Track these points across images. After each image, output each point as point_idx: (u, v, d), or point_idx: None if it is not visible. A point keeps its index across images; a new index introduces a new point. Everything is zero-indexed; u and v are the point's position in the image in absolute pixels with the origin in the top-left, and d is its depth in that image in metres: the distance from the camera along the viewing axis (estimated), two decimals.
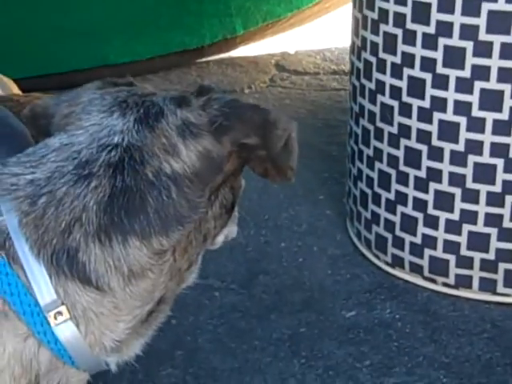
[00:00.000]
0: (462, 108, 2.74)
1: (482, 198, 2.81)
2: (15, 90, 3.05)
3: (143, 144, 1.38)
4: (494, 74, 2.66)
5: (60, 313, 1.35)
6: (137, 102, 1.45)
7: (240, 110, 1.43)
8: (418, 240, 2.97)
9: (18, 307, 1.35)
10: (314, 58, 5.53)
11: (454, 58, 2.71)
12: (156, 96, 1.48)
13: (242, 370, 2.66)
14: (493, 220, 2.83)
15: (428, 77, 2.78)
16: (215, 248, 1.59)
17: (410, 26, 2.79)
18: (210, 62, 5.55)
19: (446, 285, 2.98)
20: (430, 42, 2.74)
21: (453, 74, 2.72)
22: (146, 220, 1.34)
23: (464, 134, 2.76)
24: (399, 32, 2.83)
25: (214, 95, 1.46)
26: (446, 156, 2.82)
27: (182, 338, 2.81)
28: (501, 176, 2.76)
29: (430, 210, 2.91)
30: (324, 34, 5.88)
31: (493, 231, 2.84)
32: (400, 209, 3.00)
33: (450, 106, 2.76)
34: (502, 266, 2.88)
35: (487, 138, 2.74)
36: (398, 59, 2.85)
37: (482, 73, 2.68)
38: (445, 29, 2.70)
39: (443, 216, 2.89)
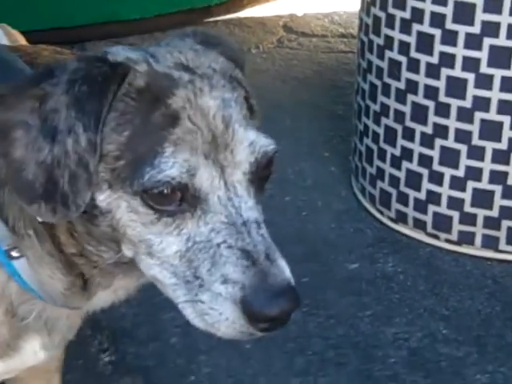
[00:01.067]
0: (471, 64, 2.76)
1: (488, 155, 2.83)
2: (23, 42, 3.07)
3: None
4: (503, 30, 2.67)
5: (15, 249, 1.37)
6: None
7: None
8: (422, 196, 3.00)
9: None
10: (322, 21, 5.52)
11: (464, 13, 2.71)
12: None
13: None
14: (497, 177, 2.85)
15: (437, 32, 2.78)
16: None
17: None
18: (217, 22, 5.54)
19: (448, 241, 3.01)
20: None
21: (462, 29, 2.73)
22: None
23: (472, 91, 2.78)
24: None
25: None
26: (453, 112, 2.83)
27: None
28: (507, 133, 2.78)
29: (435, 166, 2.93)
30: None
31: (497, 188, 2.86)
32: (405, 164, 3.02)
33: (459, 62, 2.77)
34: (505, 224, 2.90)
35: (495, 94, 2.75)
36: (407, 14, 2.86)
37: (491, 29, 2.69)
38: None
39: (448, 172, 2.91)
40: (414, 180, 3.01)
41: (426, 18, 2.79)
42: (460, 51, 2.76)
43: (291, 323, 2.59)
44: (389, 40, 2.95)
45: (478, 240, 2.97)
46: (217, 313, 1.23)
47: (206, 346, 2.55)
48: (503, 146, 2.81)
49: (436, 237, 3.04)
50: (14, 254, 1.38)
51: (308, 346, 2.56)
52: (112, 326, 2.62)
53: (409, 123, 2.96)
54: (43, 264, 1.38)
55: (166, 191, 1.22)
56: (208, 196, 1.24)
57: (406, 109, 2.95)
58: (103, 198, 1.24)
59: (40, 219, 1.29)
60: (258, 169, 1.29)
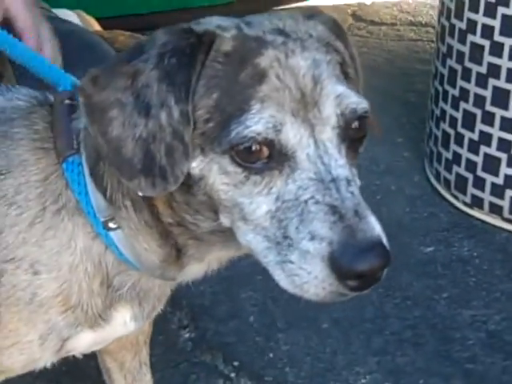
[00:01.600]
0: None
1: None
2: (96, 27, 3.12)
3: None
4: None
5: (113, 220, 1.40)
6: None
7: None
8: (499, 181, 2.97)
9: (84, 207, 1.40)
10: (390, 10, 5.50)
11: None
12: None
13: None
14: None
15: None
16: None
17: None
18: (287, 10, 5.55)
19: None
20: None
21: None
22: None
23: None
24: None
25: None
26: None
27: None
28: None
29: None
30: None
31: None
32: (483, 149, 2.99)
33: None
34: None
35: None
36: None
37: None
38: None
39: None
40: (491, 164, 2.98)
41: None
42: None
43: (368, 304, 2.63)
44: (471, 24, 2.93)
45: None
46: (305, 272, 1.21)
47: (284, 324, 2.58)
48: None
49: None
50: (112, 225, 1.40)
51: (385, 327, 2.57)
52: (191, 303, 2.65)
53: (489, 108, 2.93)
54: (139, 236, 1.40)
55: (252, 147, 1.22)
56: (296, 153, 1.23)
57: (487, 93, 2.92)
58: (196, 165, 1.26)
59: (141, 194, 1.30)
60: (346, 125, 1.27)
